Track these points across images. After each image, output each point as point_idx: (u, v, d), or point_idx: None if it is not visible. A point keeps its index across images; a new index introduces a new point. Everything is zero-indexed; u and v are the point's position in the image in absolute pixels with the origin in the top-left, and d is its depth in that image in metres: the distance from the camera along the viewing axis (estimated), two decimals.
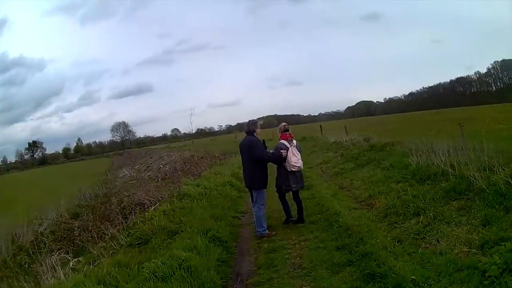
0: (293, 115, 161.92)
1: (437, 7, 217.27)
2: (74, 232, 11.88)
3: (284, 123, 10.88)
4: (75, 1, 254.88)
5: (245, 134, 10.58)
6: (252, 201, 10.42)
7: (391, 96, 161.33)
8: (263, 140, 10.60)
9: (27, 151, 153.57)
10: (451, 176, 9.90)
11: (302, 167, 10.54)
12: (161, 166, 33.02)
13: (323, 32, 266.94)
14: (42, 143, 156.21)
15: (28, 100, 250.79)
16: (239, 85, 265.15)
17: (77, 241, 11.20)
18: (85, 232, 11.57)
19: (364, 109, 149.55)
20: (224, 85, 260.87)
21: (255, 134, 10.35)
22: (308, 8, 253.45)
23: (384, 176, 12.93)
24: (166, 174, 24.82)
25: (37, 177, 71.17)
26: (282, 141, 10.41)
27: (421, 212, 8.72)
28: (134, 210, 12.87)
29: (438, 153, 11.55)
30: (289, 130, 10.71)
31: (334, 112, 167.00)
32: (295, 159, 10.24)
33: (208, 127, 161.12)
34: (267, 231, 10.01)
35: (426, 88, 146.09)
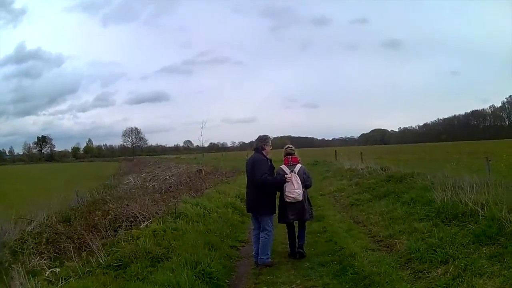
0: (307, 137, 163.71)
1: (457, 38, 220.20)
2: (61, 237, 10.84)
3: (288, 145, 9.88)
4: (98, 0, 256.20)
5: (253, 151, 9.52)
6: (254, 228, 9.41)
7: (406, 125, 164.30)
8: (270, 160, 9.30)
9: (35, 145, 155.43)
10: (480, 217, 8.70)
11: (301, 198, 9.18)
12: (167, 177, 32.27)
13: (343, 56, 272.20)
14: (51, 139, 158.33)
15: (42, 94, 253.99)
16: (256, 103, 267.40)
17: (61, 248, 10.20)
18: (70, 240, 10.50)
19: (378, 137, 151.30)
20: (240, 101, 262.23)
21: (264, 152, 9.20)
22: (329, 31, 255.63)
23: (405, 212, 11.46)
24: (170, 187, 23.67)
25: (40, 172, 70.94)
26: (282, 166, 9.47)
27: (450, 259, 7.45)
28: (125, 223, 11.81)
29: (465, 189, 10.26)
30: (294, 153, 9.70)
31: (348, 138, 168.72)
32: (290, 188, 9.09)
33: (221, 142, 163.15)
34: (270, 259, 8.98)
35: (441, 120, 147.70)
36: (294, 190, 9.07)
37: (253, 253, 9.31)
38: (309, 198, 9.78)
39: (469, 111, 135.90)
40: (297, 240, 9.47)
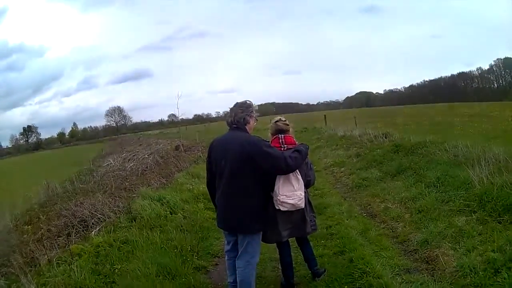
0: (291, 103, 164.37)
1: (436, 2, 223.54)
2: (13, 249, 9.06)
3: (279, 118, 5.92)
4: None
5: (228, 128, 5.45)
6: (229, 250, 5.61)
7: (390, 88, 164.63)
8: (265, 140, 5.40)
9: (21, 136, 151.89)
10: None
11: (303, 204, 5.34)
12: (146, 156, 31.02)
13: (321, 23, 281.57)
14: (37, 127, 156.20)
15: (27, 86, 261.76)
16: (237, 73, 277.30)
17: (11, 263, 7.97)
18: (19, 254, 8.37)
19: (364, 100, 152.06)
20: (222, 73, 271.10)
21: (247, 127, 5.36)
22: None
23: (435, 199, 8.54)
24: (146, 167, 22.14)
25: (19, 164, 69.08)
26: None
27: None
28: (76, 228, 9.58)
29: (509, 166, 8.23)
30: (289, 130, 5.87)
31: (333, 101, 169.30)
32: (286, 189, 5.24)
33: (206, 113, 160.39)
34: None
35: (427, 81, 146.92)
36: (294, 192, 5.22)
37: (230, 281, 5.66)
38: (310, 200, 5.86)
39: (455, 73, 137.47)
40: (306, 264, 6.16)
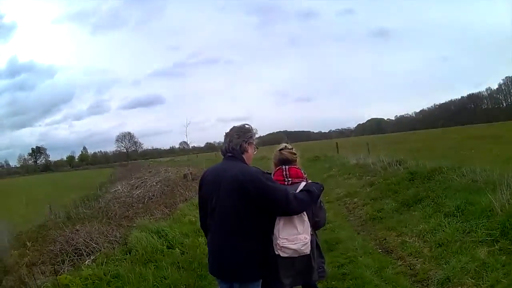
0: (303, 131, 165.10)
1: (444, 24, 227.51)
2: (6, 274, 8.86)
3: (285, 146, 4.95)
4: (86, 10, 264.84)
5: (222, 157, 4.59)
6: None
7: (401, 113, 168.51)
8: (267, 172, 4.42)
9: (30, 157, 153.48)
10: None
11: (308, 250, 4.26)
12: (154, 184, 29.43)
13: (332, 48, 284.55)
14: (45, 149, 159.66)
15: (37, 106, 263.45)
16: (249, 100, 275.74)
17: None
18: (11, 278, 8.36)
19: (375, 127, 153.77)
20: (234, 100, 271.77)
21: (245, 156, 4.44)
22: (316, 24, 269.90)
23: (456, 230, 7.88)
24: (153, 195, 21.85)
25: (26, 184, 68.21)
26: None
27: None
28: (70, 256, 9.25)
29: None
30: (296, 161, 4.84)
31: (345, 129, 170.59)
32: (289, 232, 4.21)
33: (217, 141, 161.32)
34: None
35: (437, 105, 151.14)
36: (297, 236, 4.20)
37: None
38: (319, 243, 4.75)
39: (464, 95, 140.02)
40: None
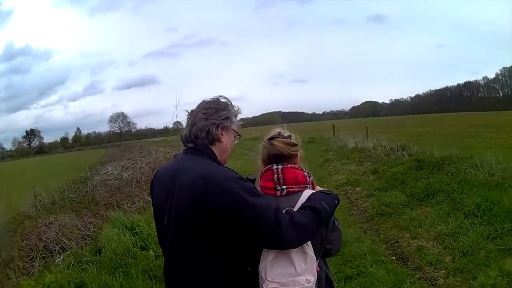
0: (297, 112, 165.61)
1: (440, 11, 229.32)
2: None
3: (278, 131, 2.95)
4: None
5: (184, 152, 2.78)
6: None
7: (396, 97, 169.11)
8: (248, 178, 2.65)
9: (24, 140, 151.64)
10: None
11: None
12: (143, 166, 28.06)
13: (328, 32, 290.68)
14: (39, 131, 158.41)
15: (32, 89, 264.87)
16: (244, 81, 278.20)
17: None
18: None
19: (369, 110, 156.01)
20: (229, 80, 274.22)
21: (214, 150, 2.68)
22: (314, 7, 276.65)
23: (480, 235, 6.91)
24: (141, 178, 19.96)
25: (16, 168, 67.61)
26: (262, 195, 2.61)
27: None
28: (41, 254, 8.22)
29: None
30: (296, 155, 2.84)
31: (339, 111, 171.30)
32: (280, 273, 2.42)
33: None
34: None
35: (433, 91, 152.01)
36: (294, 278, 2.43)
37: None
38: (331, 278, 2.86)
39: (461, 82, 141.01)
40: None
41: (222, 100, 2.76)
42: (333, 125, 34.45)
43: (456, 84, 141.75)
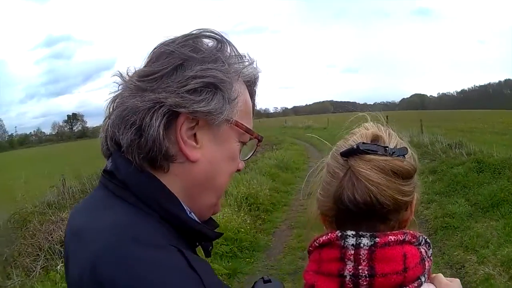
0: (348, 102, 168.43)
1: (485, 8, 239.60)
2: None
3: (375, 133, 1.22)
4: None
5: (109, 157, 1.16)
6: None
7: (444, 91, 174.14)
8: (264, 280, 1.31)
9: (65, 124, 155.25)
10: None
11: None
12: None
13: (377, 23, 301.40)
14: (82, 115, 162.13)
15: (76, 74, 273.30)
16: (295, 69, 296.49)
17: None
18: None
19: (418, 102, 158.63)
20: (280, 68, 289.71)
21: (174, 171, 1.09)
22: None
23: None
24: None
25: (53, 152, 69.80)
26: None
27: None
28: (45, 255, 7.79)
29: None
30: (411, 202, 1.19)
31: (389, 102, 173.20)
32: None
33: (264, 108, 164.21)
34: None
35: (477, 86, 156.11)
36: None
37: None
38: None
39: (502, 80, 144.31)
40: None
41: (206, 40, 1.15)
42: (387, 116, 33.92)
43: (497, 81, 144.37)
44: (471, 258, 6.91)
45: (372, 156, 1.14)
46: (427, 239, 1.20)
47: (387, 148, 1.16)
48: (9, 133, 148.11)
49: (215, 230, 1.21)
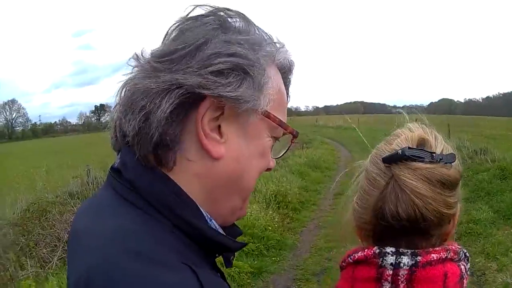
0: (379, 103, 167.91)
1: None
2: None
3: (422, 136, 1.14)
4: None
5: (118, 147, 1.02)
6: None
7: (469, 97, 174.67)
8: None
9: (92, 114, 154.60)
10: None
11: None
12: None
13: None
14: (110, 107, 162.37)
15: (105, 65, 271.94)
16: (325, 68, 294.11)
17: None
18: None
19: (446, 107, 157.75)
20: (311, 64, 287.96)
21: (190, 170, 0.94)
22: None
23: None
24: None
25: (79, 143, 66.19)
26: None
27: None
28: (62, 247, 7.53)
29: None
30: (454, 215, 1.19)
31: (418, 105, 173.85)
32: None
33: (295, 106, 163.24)
34: None
35: (501, 94, 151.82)
36: None
37: None
38: None
39: None
40: None
41: (232, 18, 0.99)
42: (416, 119, 33.76)
43: None
44: (491, 266, 6.86)
45: (419, 164, 1.05)
46: (466, 253, 1.16)
47: (434, 155, 1.07)
48: (33, 122, 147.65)
49: (238, 239, 1.06)
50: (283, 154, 1.16)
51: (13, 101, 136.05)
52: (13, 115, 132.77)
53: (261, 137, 0.98)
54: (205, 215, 0.94)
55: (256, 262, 7.48)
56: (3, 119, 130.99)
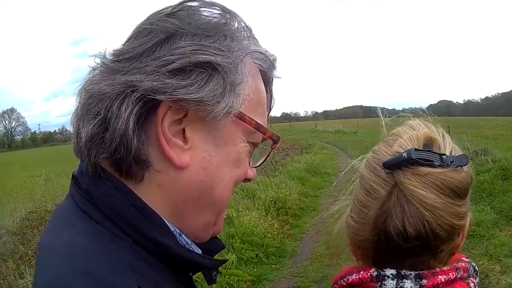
0: (377, 107, 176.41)
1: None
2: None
3: (428, 134, 1.00)
4: None
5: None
6: None
7: (468, 98, 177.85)
8: None
9: None
10: None
11: None
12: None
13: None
14: None
15: None
16: (326, 73, 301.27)
17: None
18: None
19: (445, 109, 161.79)
20: (308, 70, 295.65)
21: (152, 181, 0.86)
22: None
23: None
24: None
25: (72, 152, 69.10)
26: None
27: None
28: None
29: None
30: (464, 226, 0.99)
31: (417, 108, 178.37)
32: None
33: (294, 112, 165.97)
34: None
35: (500, 93, 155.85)
36: None
37: None
38: None
39: None
40: None
41: (206, 10, 0.88)
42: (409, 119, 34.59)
43: None
44: (494, 268, 6.79)
45: (428, 169, 0.89)
46: (475, 266, 1.03)
47: (444, 157, 0.91)
48: (32, 131, 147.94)
49: (218, 256, 1.01)
50: (261, 163, 1.03)
51: (12, 110, 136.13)
52: (13, 124, 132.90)
53: (235, 142, 0.88)
54: (172, 230, 0.85)
55: (255, 270, 7.41)
56: (3, 128, 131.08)
